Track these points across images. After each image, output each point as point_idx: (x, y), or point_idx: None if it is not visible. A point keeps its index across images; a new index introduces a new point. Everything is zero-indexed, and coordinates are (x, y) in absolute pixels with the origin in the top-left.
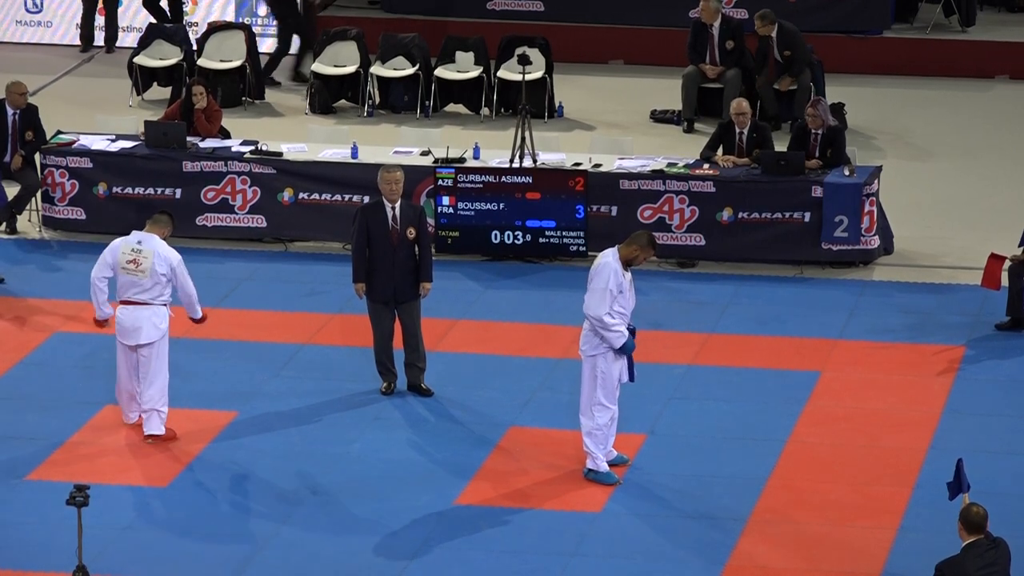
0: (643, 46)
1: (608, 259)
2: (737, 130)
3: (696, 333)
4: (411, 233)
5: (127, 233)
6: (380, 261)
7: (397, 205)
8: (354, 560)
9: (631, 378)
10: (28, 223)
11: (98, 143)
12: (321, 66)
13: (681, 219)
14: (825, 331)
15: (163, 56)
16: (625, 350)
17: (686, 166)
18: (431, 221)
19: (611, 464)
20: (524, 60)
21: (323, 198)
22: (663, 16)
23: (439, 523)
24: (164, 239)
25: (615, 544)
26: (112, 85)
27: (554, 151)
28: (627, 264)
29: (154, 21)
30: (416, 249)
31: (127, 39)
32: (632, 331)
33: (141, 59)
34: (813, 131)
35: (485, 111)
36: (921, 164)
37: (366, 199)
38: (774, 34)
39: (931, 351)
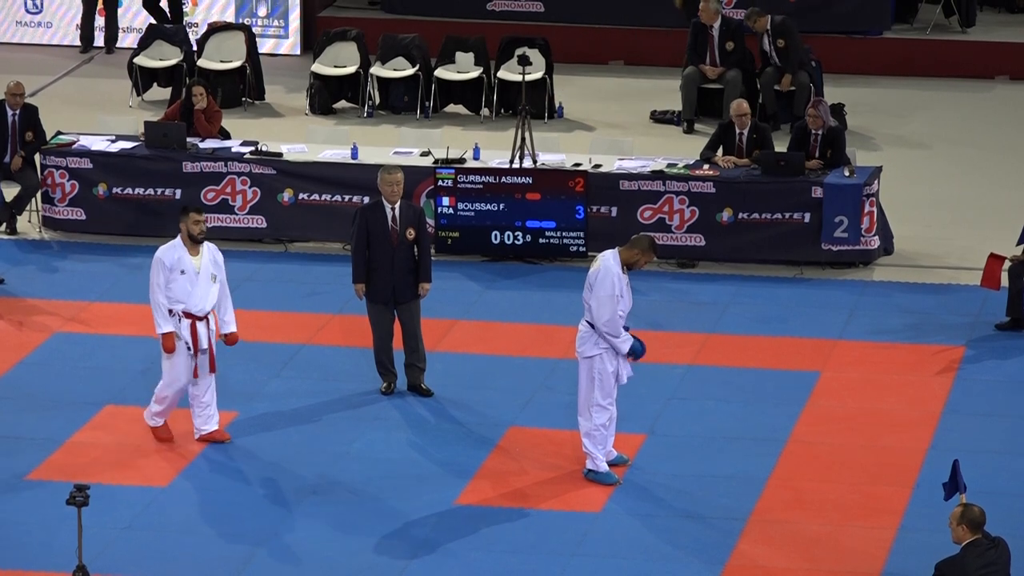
0: (643, 47)
1: (609, 263)
2: (737, 131)
3: (696, 333)
4: (410, 234)
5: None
6: (380, 261)
7: (397, 206)
8: (354, 560)
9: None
10: (28, 223)
11: (98, 144)
12: (321, 67)
13: (681, 220)
14: (825, 331)
15: (163, 57)
16: (633, 352)
17: (686, 167)
18: (431, 222)
19: (611, 464)
20: (524, 61)
21: (323, 199)
22: (663, 17)
23: (439, 523)
24: (184, 234)
25: (615, 544)
26: (112, 86)
27: (554, 152)
28: (627, 267)
29: (154, 22)
30: (416, 250)
31: (127, 40)
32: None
33: (141, 60)
34: (813, 132)
35: (485, 112)
36: (921, 164)
37: (366, 200)
38: (769, 27)
39: (931, 351)
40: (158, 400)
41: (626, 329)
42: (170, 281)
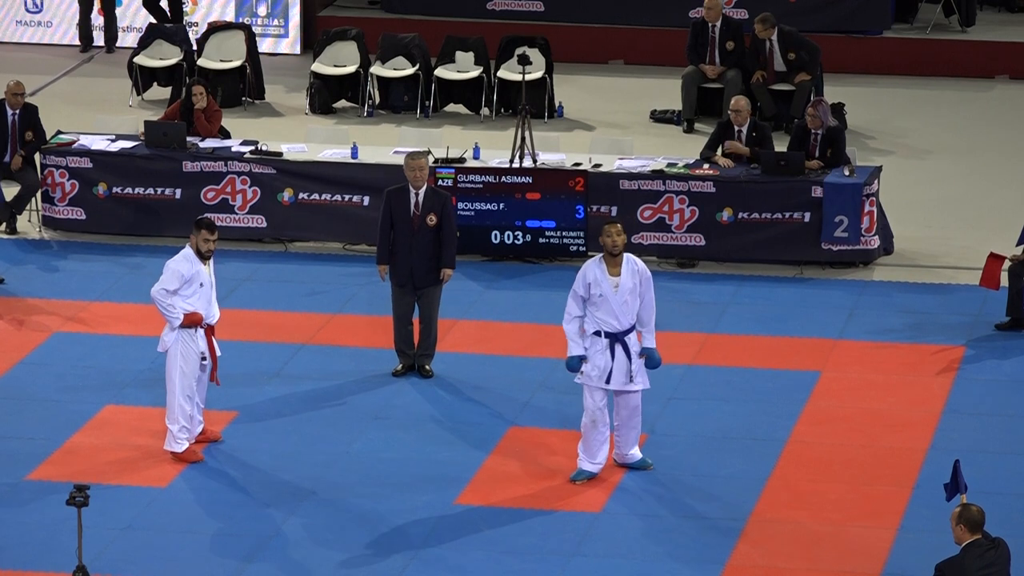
0: (643, 46)
1: (588, 262)
2: (736, 128)
3: (696, 333)
4: (431, 220)
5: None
6: (400, 244)
7: (421, 191)
8: (354, 560)
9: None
10: (28, 223)
11: (98, 143)
12: (321, 66)
13: (681, 219)
14: (825, 331)
15: (163, 56)
16: (567, 366)
17: (686, 166)
18: None
19: (631, 467)
20: (524, 60)
21: (323, 198)
22: (663, 16)
23: (439, 523)
24: (193, 247)
25: (615, 544)
26: (112, 85)
27: (554, 151)
28: (610, 256)
29: (154, 21)
30: (439, 237)
31: (127, 39)
32: (614, 335)
33: (141, 59)
34: (813, 131)
35: (485, 111)
36: (921, 164)
37: (366, 199)
38: (774, 38)
39: (931, 351)
40: (174, 420)
41: (611, 334)
42: (188, 295)
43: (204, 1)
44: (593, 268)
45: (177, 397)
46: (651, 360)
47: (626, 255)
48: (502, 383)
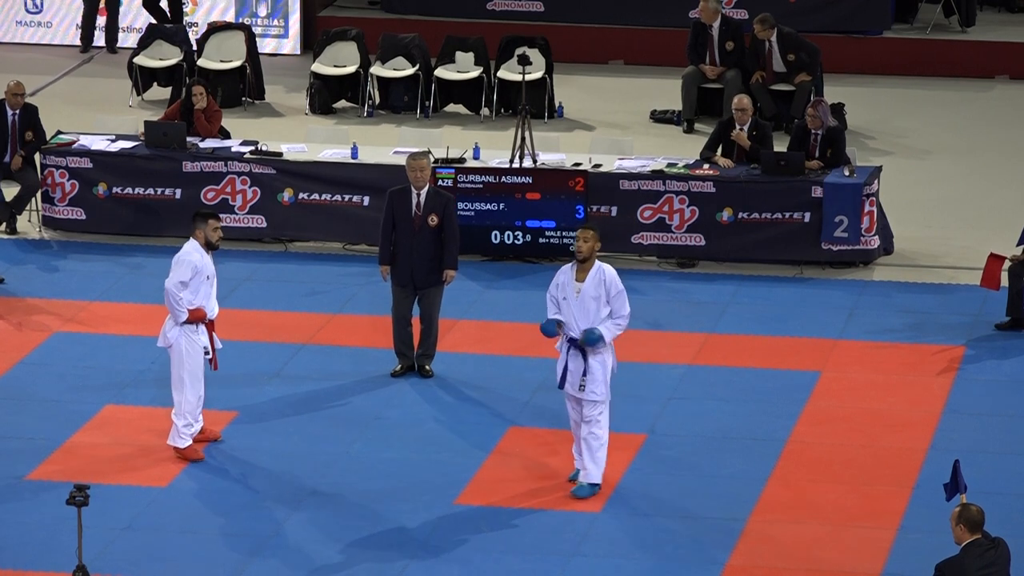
0: (643, 46)
1: (566, 264)
2: (737, 127)
3: (696, 333)
4: (433, 220)
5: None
6: (401, 245)
7: (423, 192)
8: (354, 560)
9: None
10: (28, 223)
11: (98, 143)
12: (321, 66)
13: (681, 219)
14: (825, 331)
15: (163, 56)
16: (543, 329)
17: (686, 166)
18: None
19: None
20: (524, 60)
21: (323, 198)
22: (663, 16)
23: (439, 524)
24: (199, 240)
25: (615, 544)
26: (112, 85)
27: (554, 151)
28: (576, 259)
29: (154, 21)
30: (441, 237)
31: (127, 39)
32: (572, 341)
33: (141, 59)
34: (813, 131)
35: (485, 111)
36: (921, 164)
37: (366, 199)
38: (773, 39)
39: (931, 351)
40: (181, 415)
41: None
42: (196, 287)
43: (204, 1)
44: (564, 272)
45: (185, 393)
46: (588, 335)
47: (599, 264)
48: (502, 383)
